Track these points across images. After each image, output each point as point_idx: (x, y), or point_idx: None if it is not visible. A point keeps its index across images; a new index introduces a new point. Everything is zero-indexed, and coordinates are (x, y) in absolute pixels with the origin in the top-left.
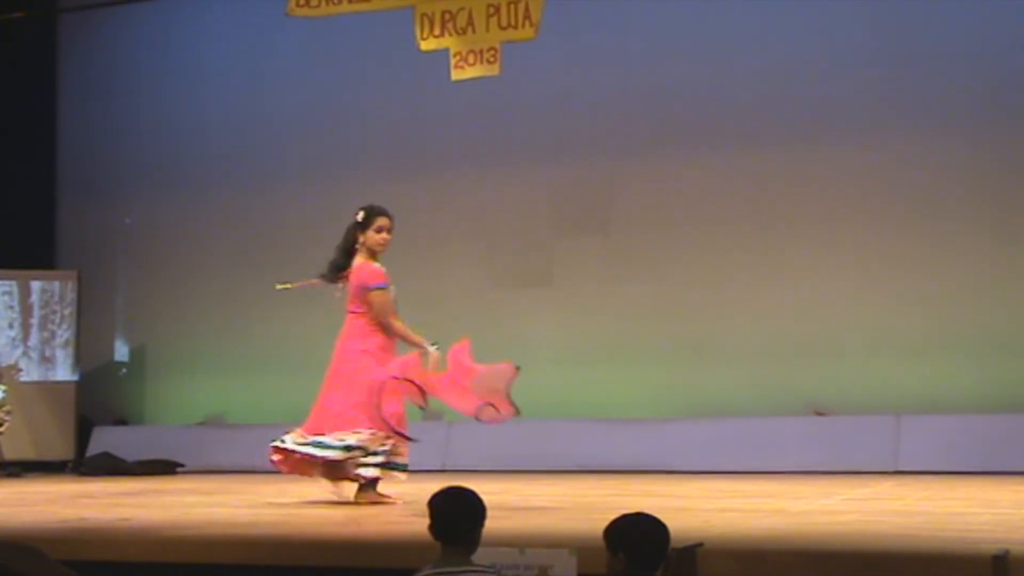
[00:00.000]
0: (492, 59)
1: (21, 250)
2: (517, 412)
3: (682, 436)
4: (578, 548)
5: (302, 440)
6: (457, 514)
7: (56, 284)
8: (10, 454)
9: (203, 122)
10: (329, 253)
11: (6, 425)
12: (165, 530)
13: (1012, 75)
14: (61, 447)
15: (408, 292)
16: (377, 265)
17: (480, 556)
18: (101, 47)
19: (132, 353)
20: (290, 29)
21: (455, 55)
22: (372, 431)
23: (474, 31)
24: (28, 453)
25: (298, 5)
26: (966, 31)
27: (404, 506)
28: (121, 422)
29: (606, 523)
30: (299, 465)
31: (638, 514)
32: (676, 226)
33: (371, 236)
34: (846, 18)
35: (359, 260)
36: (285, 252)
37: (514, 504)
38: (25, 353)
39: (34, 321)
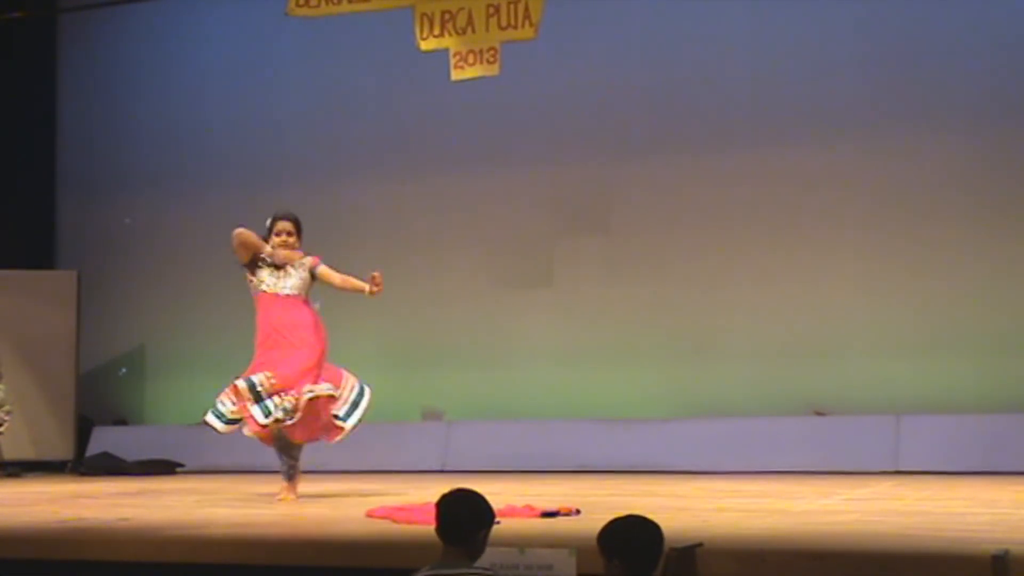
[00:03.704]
0: (492, 59)
1: (21, 250)
2: None
3: (682, 436)
4: (578, 548)
5: None
6: (461, 515)
7: (56, 284)
8: (10, 454)
9: (203, 122)
10: (331, 253)
11: (6, 425)
12: (165, 530)
13: (1011, 75)
14: (61, 447)
15: (409, 292)
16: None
17: (480, 556)
18: (101, 47)
19: (132, 353)
20: (290, 29)
21: (455, 55)
22: None
23: (474, 31)
24: (28, 453)
25: (298, 5)
26: (965, 31)
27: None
28: (121, 422)
29: (606, 523)
30: None
31: (629, 517)
32: (676, 226)
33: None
34: (846, 19)
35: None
36: None
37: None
38: (25, 353)
39: (34, 321)
